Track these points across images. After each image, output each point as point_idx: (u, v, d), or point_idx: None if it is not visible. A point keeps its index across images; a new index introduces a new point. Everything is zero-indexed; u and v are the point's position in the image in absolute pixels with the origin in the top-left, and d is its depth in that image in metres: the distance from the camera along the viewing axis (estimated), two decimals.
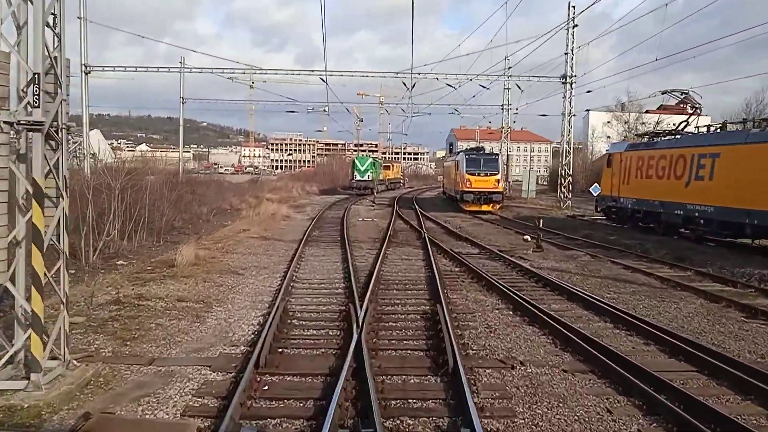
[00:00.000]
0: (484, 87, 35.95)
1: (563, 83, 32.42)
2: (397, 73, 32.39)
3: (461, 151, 35.34)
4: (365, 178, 52.04)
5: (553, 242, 19.21)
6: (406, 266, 14.47)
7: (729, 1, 23.73)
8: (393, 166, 72.64)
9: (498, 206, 32.80)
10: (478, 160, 32.96)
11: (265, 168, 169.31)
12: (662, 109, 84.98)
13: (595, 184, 28.56)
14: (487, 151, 36.58)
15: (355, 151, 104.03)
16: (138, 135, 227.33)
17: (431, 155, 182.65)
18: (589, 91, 32.04)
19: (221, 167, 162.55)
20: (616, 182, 23.21)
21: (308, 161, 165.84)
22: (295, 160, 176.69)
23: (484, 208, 32.39)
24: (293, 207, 35.34)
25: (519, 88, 34.19)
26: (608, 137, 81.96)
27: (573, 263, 15.45)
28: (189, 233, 21.55)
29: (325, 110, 57.21)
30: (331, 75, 33.80)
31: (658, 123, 72.49)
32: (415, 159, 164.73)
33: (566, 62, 32.03)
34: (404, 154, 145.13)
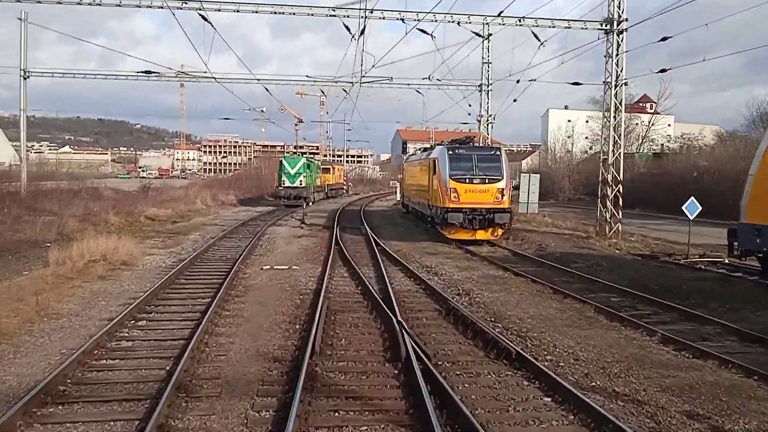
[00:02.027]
0: (477, 35, 22.98)
1: (606, 32, 20.02)
2: (334, 9, 19.08)
3: (438, 145, 22.55)
4: (296, 184, 39.01)
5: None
6: None
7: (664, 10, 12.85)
8: (334, 168, 59.43)
9: (502, 232, 20.34)
10: (468, 159, 20.11)
11: (196, 171, 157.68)
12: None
13: (691, 199, 16.34)
14: (480, 145, 24.00)
15: (294, 152, 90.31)
16: (66, 137, 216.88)
17: (375, 158, 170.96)
18: (664, 38, 18.33)
19: (145, 171, 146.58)
20: None
21: (243, 164, 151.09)
22: (229, 163, 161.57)
23: (481, 236, 19.78)
24: (169, 234, 21.72)
25: (536, 38, 21.31)
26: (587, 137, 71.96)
27: None
28: None
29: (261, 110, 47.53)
30: (217, 10, 20.05)
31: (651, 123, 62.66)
32: (359, 162, 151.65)
33: (611, 0, 19.72)
34: (347, 156, 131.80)
